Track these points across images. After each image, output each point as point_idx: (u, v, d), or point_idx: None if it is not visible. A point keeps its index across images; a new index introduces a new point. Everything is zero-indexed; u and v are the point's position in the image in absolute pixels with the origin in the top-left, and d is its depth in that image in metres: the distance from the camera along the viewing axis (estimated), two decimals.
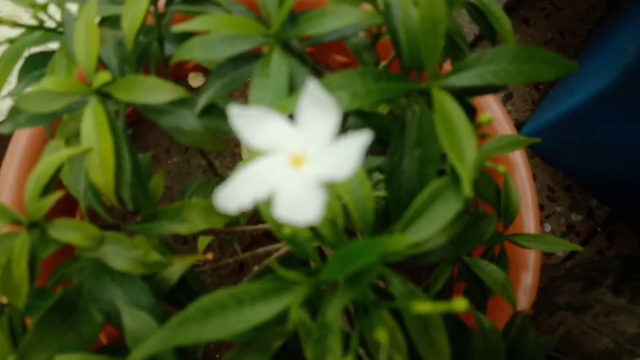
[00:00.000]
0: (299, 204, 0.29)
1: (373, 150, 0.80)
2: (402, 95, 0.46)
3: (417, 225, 0.42)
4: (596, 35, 1.51)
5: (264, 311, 0.40)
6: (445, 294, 0.76)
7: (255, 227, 0.83)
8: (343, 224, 0.42)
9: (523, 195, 0.95)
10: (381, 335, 0.34)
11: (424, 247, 0.44)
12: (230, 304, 0.40)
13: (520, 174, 0.96)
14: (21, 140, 0.86)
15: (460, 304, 0.32)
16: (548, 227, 1.51)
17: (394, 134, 0.49)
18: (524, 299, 0.92)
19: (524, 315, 0.76)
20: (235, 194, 0.30)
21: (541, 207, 1.50)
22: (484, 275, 0.73)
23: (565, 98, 1.38)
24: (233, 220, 0.92)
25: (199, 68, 1.11)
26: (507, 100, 1.58)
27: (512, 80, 0.47)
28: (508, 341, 0.69)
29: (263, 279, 0.41)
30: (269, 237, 1.02)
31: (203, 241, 0.91)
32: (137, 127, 1.15)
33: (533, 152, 1.53)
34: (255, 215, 0.97)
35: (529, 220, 0.95)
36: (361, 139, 0.29)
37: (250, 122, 0.33)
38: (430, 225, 0.42)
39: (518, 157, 0.98)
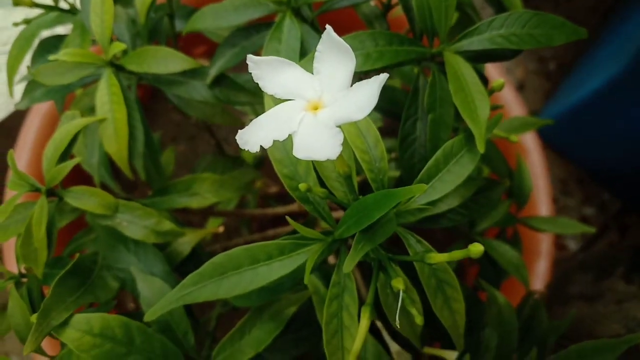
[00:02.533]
0: (318, 143, 0.29)
1: (383, 131, 0.80)
2: (414, 60, 0.46)
3: (431, 185, 0.42)
4: (605, 25, 1.50)
5: (280, 269, 0.40)
6: (458, 277, 0.76)
7: (263, 210, 0.83)
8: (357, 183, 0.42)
9: (535, 179, 0.94)
10: (398, 283, 0.34)
11: (438, 208, 0.44)
12: (245, 261, 0.40)
13: (532, 159, 0.96)
14: (36, 117, 0.87)
15: (476, 248, 0.32)
16: None
17: (407, 101, 0.49)
18: (538, 284, 0.91)
19: (537, 295, 0.75)
20: (255, 135, 0.31)
21: (554, 201, 1.49)
22: (497, 256, 0.73)
23: (577, 88, 1.37)
24: (242, 204, 0.92)
25: (207, 54, 1.12)
26: (519, 91, 1.57)
27: (523, 44, 0.47)
28: (521, 320, 0.68)
29: (279, 239, 0.41)
30: (277, 222, 1.02)
31: (212, 223, 0.91)
32: None
33: (546, 145, 1.52)
34: (264, 200, 0.97)
35: (541, 204, 0.94)
36: (378, 80, 0.29)
37: (269, 70, 0.33)
38: (444, 185, 0.42)
39: (530, 142, 0.98)
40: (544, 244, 0.96)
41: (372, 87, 0.29)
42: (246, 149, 0.30)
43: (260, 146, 0.30)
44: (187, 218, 1.00)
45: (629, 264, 1.11)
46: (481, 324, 0.56)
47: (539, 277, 0.94)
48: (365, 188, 0.46)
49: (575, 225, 0.83)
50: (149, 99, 1.14)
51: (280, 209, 0.83)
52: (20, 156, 0.88)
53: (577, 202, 1.53)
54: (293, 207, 0.84)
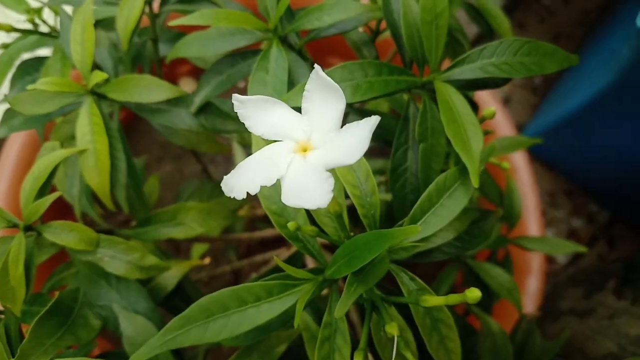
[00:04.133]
0: (307, 190, 0.28)
1: (373, 151, 0.79)
2: (404, 89, 0.45)
3: (424, 220, 0.41)
4: (590, 39, 1.52)
5: (269, 311, 0.38)
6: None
7: (251, 234, 0.81)
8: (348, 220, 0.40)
9: (525, 197, 0.93)
10: (392, 328, 0.33)
11: (432, 243, 0.43)
12: (232, 303, 0.38)
13: (521, 177, 0.96)
14: (14, 146, 0.84)
15: (473, 294, 0.31)
16: (549, 233, 1.49)
17: (397, 130, 0.48)
18: (529, 305, 0.91)
19: (530, 319, 0.74)
20: (242, 181, 0.29)
21: (542, 214, 1.49)
22: (489, 279, 0.72)
23: (563, 101, 1.38)
24: (229, 228, 0.90)
25: (191, 73, 1.10)
26: (505, 104, 1.57)
27: (514, 73, 0.46)
28: (515, 345, 0.67)
29: (266, 279, 0.40)
30: (265, 246, 1.00)
31: (197, 250, 0.89)
32: (127, 135, 1.13)
33: (533, 158, 1.53)
34: (252, 222, 0.95)
35: (531, 223, 0.94)
36: (370, 123, 0.28)
37: (255, 109, 0.32)
38: (438, 220, 0.41)
39: (519, 160, 0.97)
40: (535, 262, 0.96)
41: (364, 131, 0.28)
42: (232, 196, 0.29)
43: (246, 193, 0.29)
44: (173, 245, 0.98)
45: (619, 278, 1.11)
46: (475, 354, 0.55)
47: (530, 296, 0.93)
48: (354, 212, 0.44)
49: (566, 245, 0.82)
50: (132, 119, 1.12)
51: (268, 232, 0.82)
52: (0, 182, 0.85)
53: (566, 214, 1.54)
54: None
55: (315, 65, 0.31)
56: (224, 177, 0.29)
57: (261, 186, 0.29)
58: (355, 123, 0.29)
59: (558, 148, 1.45)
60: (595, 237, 1.51)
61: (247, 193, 0.29)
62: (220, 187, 0.30)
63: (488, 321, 0.58)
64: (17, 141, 0.84)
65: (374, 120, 0.28)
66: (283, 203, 0.41)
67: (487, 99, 0.99)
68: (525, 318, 0.72)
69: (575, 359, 1.02)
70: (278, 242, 0.91)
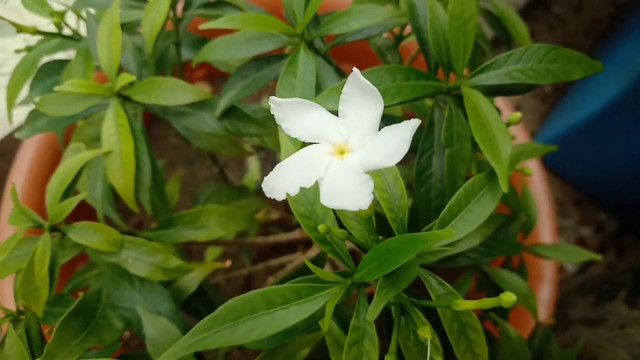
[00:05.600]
0: (347, 191, 0.28)
1: None
2: (431, 94, 0.46)
3: (453, 225, 0.41)
4: (600, 48, 1.52)
5: (297, 313, 0.38)
6: None
7: (265, 238, 0.82)
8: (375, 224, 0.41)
9: (538, 204, 0.93)
10: (425, 332, 0.33)
11: (459, 248, 0.43)
12: (261, 305, 0.38)
13: (535, 185, 0.96)
14: (30, 147, 0.85)
15: (509, 297, 0.31)
16: (558, 242, 1.49)
17: (422, 135, 0.48)
18: (543, 312, 0.90)
19: (546, 326, 0.74)
20: (281, 182, 0.29)
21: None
22: (505, 285, 0.71)
23: (573, 111, 1.38)
24: (243, 232, 0.91)
25: (206, 77, 1.11)
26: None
27: (540, 79, 0.46)
28: (532, 352, 0.67)
29: (293, 281, 0.40)
30: (277, 251, 1.00)
31: (211, 253, 0.89)
32: None
33: (543, 166, 1.53)
34: (265, 227, 0.95)
35: (544, 230, 0.94)
36: (410, 125, 0.28)
37: (292, 112, 0.32)
38: (466, 225, 0.41)
39: (533, 167, 0.97)
40: (547, 270, 0.95)
41: (404, 133, 0.28)
42: (272, 197, 0.29)
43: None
44: (187, 247, 0.98)
45: (631, 288, 1.10)
46: None
47: (543, 303, 0.93)
48: (380, 221, 0.45)
49: (580, 253, 0.82)
50: (148, 122, 1.12)
51: (282, 236, 0.82)
52: (17, 179, 0.86)
53: (575, 223, 1.53)
54: (295, 234, 0.83)
55: (354, 69, 0.31)
56: (264, 177, 0.29)
57: (300, 187, 0.29)
58: (394, 125, 0.29)
59: (568, 157, 1.45)
60: (604, 246, 1.50)
61: (287, 194, 0.29)
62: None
63: (507, 328, 0.58)
64: (33, 143, 0.84)
65: (414, 123, 0.28)
66: (312, 206, 0.41)
67: (501, 107, 0.99)
68: (542, 325, 0.71)
69: None
70: (290, 247, 0.91)
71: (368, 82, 0.31)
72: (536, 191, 0.96)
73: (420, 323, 0.34)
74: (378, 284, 0.35)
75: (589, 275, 1.42)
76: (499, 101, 1.00)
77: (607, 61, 1.39)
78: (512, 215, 0.48)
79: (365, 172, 0.29)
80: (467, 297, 0.93)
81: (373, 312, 0.34)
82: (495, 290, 0.75)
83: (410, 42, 0.62)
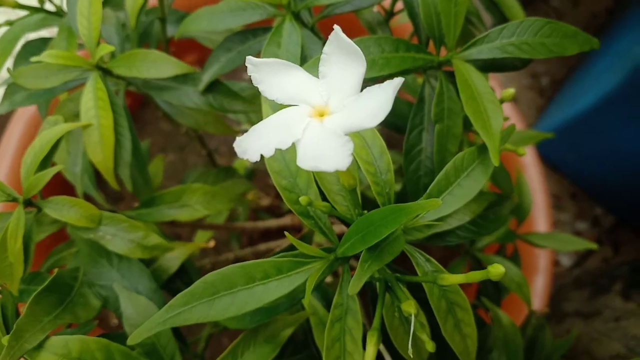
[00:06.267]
0: (325, 153, 0.26)
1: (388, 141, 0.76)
2: (421, 67, 0.44)
3: (442, 199, 0.39)
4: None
5: (277, 289, 0.36)
6: None
7: (255, 223, 0.80)
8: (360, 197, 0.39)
9: (533, 195, 0.92)
10: (409, 306, 0.31)
11: (448, 225, 0.41)
12: (239, 280, 0.37)
13: (530, 174, 0.94)
14: (18, 124, 0.83)
15: (496, 270, 0.29)
16: None
17: (412, 111, 0.47)
18: (537, 303, 0.89)
19: (540, 315, 0.72)
20: (256, 143, 0.27)
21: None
22: None
23: (570, 104, 1.36)
24: (232, 217, 0.89)
25: (197, 62, 1.09)
26: (512, 105, 1.56)
27: (534, 53, 0.45)
28: (525, 340, 0.66)
29: (275, 256, 0.38)
30: (267, 237, 0.98)
31: (200, 237, 0.87)
32: None
33: (539, 159, 1.51)
34: (255, 213, 0.94)
35: (540, 221, 0.92)
36: (393, 84, 0.27)
37: (269, 73, 0.31)
38: (455, 200, 0.39)
39: (528, 157, 0.96)
40: (542, 260, 0.94)
41: (386, 92, 0.27)
42: (245, 158, 0.27)
43: (260, 156, 0.27)
44: (174, 231, 0.96)
45: (626, 281, 1.09)
46: (487, 347, 0.53)
47: (537, 294, 0.92)
48: (365, 202, 0.43)
49: (575, 241, 0.81)
50: (137, 107, 1.10)
51: (272, 222, 0.80)
52: (1, 163, 0.84)
53: (571, 217, 1.52)
54: (286, 220, 0.81)
55: (335, 27, 0.29)
56: (237, 138, 0.28)
57: (275, 150, 0.28)
58: (377, 86, 0.28)
59: (564, 150, 1.43)
60: (600, 241, 1.49)
61: (262, 156, 0.28)
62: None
63: (499, 313, 0.56)
64: (21, 119, 0.82)
65: (397, 82, 0.27)
66: (295, 178, 0.40)
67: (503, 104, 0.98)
68: (535, 314, 0.70)
69: None
70: (280, 233, 0.89)
71: (350, 40, 0.29)
72: (532, 182, 0.94)
73: (405, 298, 0.33)
74: (361, 257, 0.34)
75: (584, 269, 1.41)
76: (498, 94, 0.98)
77: (604, 55, 1.37)
78: (504, 195, 0.47)
79: (346, 135, 0.27)
80: (461, 284, 0.92)
81: (355, 285, 0.32)
82: (490, 280, 0.74)
83: (405, 24, 0.60)
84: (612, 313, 1.03)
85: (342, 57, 0.30)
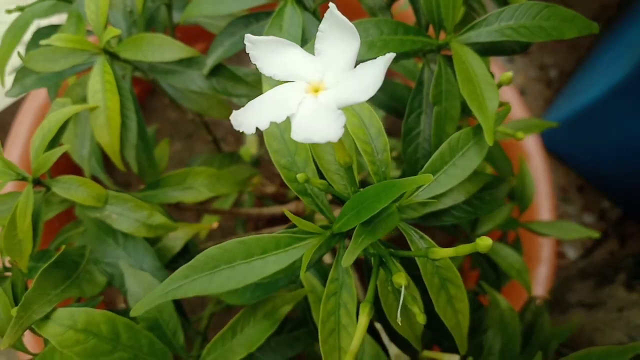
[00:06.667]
0: (317, 125, 0.27)
1: (386, 131, 0.77)
2: (420, 49, 0.45)
3: (436, 179, 0.40)
4: (608, 34, 1.50)
5: (275, 263, 0.37)
6: None
7: (260, 210, 0.81)
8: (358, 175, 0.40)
9: (537, 184, 0.92)
10: (400, 278, 0.32)
11: (443, 204, 0.42)
12: (239, 254, 0.38)
13: (535, 163, 0.94)
14: (30, 110, 0.85)
15: (484, 242, 0.30)
16: None
17: (411, 94, 0.48)
18: (539, 290, 0.89)
19: (539, 301, 0.73)
20: (251, 117, 0.29)
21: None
22: (499, 259, 0.71)
23: (578, 95, 1.36)
24: (238, 203, 0.90)
25: (207, 50, 1.10)
26: (520, 97, 1.56)
27: (532, 37, 0.45)
28: (523, 325, 0.66)
29: (275, 233, 0.39)
30: (274, 223, 1.00)
31: (206, 222, 0.89)
32: None
33: (547, 151, 1.51)
34: (260, 200, 0.95)
35: (543, 210, 0.92)
36: (384, 60, 0.28)
37: (267, 50, 0.32)
38: (449, 179, 0.40)
39: (532, 147, 0.96)
40: (545, 249, 0.95)
41: (378, 68, 0.28)
42: (240, 130, 0.28)
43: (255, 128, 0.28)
44: (182, 216, 0.98)
45: (630, 272, 1.09)
46: (483, 328, 0.54)
47: (540, 283, 0.92)
48: (366, 185, 0.44)
49: (578, 230, 0.81)
50: (146, 95, 1.12)
51: (277, 209, 0.81)
52: (12, 151, 0.86)
53: (577, 209, 1.52)
54: (290, 206, 0.82)
55: (330, 4, 0.30)
56: (233, 111, 0.29)
57: (272, 125, 0.29)
58: (369, 62, 0.29)
59: (572, 142, 1.43)
60: (607, 234, 1.49)
61: (257, 129, 0.29)
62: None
63: (496, 296, 0.57)
64: (32, 107, 0.84)
65: (388, 57, 0.28)
66: (293, 157, 0.41)
67: (507, 92, 0.98)
68: (534, 299, 0.71)
69: None
70: (285, 220, 0.91)
71: (344, 18, 0.30)
72: (536, 171, 0.94)
73: (396, 270, 0.34)
74: (355, 232, 0.35)
75: (589, 261, 1.41)
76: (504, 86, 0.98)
77: (612, 47, 1.37)
78: (501, 177, 0.47)
79: (340, 110, 0.28)
80: (460, 271, 0.92)
81: (348, 258, 0.33)
82: (489, 263, 0.74)
83: (409, 11, 0.61)
84: (616, 303, 1.03)
85: (337, 34, 0.31)
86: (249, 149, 0.90)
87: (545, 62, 1.61)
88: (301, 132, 0.28)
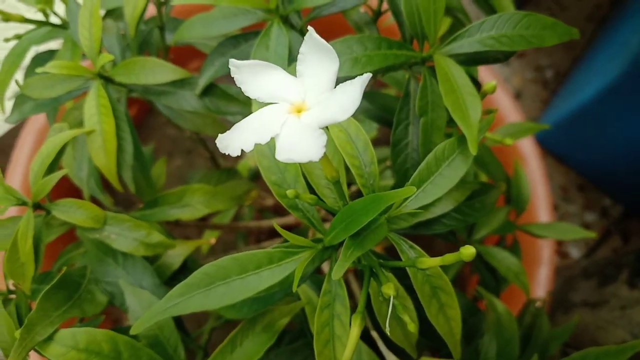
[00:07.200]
0: (300, 145, 0.29)
1: (379, 141, 0.79)
2: (403, 63, 0.46)
3: (423, 189, 0.41)
4: (601, 33, 1.51)
5: (269, 278, 0.38)
6: (458, 287, 0.74)
7: (259, 223, 0.82)
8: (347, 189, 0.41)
9: (534, 186, 0.93)
10: (388, 289, 0.33)
11: (431, 213, 0.43)
12: (233, 270, 0.39)
13: (531, 166, 0.95)
14: (30, 134, 0.87)
15: (468, 250, 0.31)
16: None
17: (398, 106, 0.49)
18: (540, 292, 0.90)
19: (539, 303, 0.73)
20: (236, 139, 0.30)
21: (555, 207, 1.48)
22: (496, 263, 0.71)
23: (574, 95, 1.37)
24: (238, 217, 0.91)
25: (199, 70, 1.12)
26: (517, 99, 1.57)
27: (514, 45, 0.46)
28: (522, 328, 0.67)
29: (267, 249, 0.40)
30: (274, 235, 1.01)
31: (207, 237, 0.90)
32: (139, 131, 1.15)
33: (546, 152, 1.52)
34: (260, 213, 0.96)
35: (541, 211, 0.93)
36: (362, 79, 0.29)
37: (250, 73, 0.33)
38: (436, 189, 0.41)
39: (528, 149, 0.97)
40: (545, 251, 0.95)
41: (355, 88, 0.29)
42: (227, 153, 0.30)
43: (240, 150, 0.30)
44: (183, 232, 0.99)
45: (632, 269, 1.09)
46: (480, 333, 0.55)
47: (541, 285, 0.93)
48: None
49: (575, 231, 0.82)
50: (144, 114, 1.13)
51: (276, 221, 0.82)
52: (13, 175, 0.87)
53: (579, 208, 1.52)
54: (289, 219, 0.83)
55: (309, 27, 0.32)
56: (219, 135, 0.30)
57: (259, 146, 0.30)
58: (348, 82, 0.30)
59: (570, 142, 1.44)
60: (609, 232, 1.49)
61: (242, 151, 0.30)
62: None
63: (493, 301, 0.58)
64: (32, 131, 0.86)
65: (365, 77, 0.29)
66: (283, 173, 0.42)
67: (501, 96, 0.99)
68: (533, 302, 0.71)
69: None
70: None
71: (323, 40, 0.31)
72: (532, 174, 0.95)
73: (386, 280, 0.35)
74: (344, 245, 0.36)
75: (593, 261, 1.41)
76: (498, 90, 0.99)
77: (607, 46, 1.37)
78: (490, 184, 0.48)
79: (321, 128, 0.29)
80: (461, 279, 0.93)
81: (338, 271, 0.34)
82: (487, 268, 0.75)
83: (394, 24, 0.62)
84: (618, 302, 1.03)
85: (317, 56, 0.32)
86: (248, 162, 0.91)
87: (541, 64, 1.62)
88: (284, 153, 0.29)
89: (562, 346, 0.89)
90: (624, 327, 0.93)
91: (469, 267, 0.85)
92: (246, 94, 0.33)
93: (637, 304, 0.96)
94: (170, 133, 1.12)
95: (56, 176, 0.47)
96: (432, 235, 0.55)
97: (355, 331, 0.34)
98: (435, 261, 0.34)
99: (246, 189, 0.70)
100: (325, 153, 0.34)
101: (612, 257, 1.36)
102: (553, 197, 1.51)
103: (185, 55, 1.02)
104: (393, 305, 0.35)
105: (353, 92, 0.29)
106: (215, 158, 0.81)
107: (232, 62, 0.33)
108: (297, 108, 0.31)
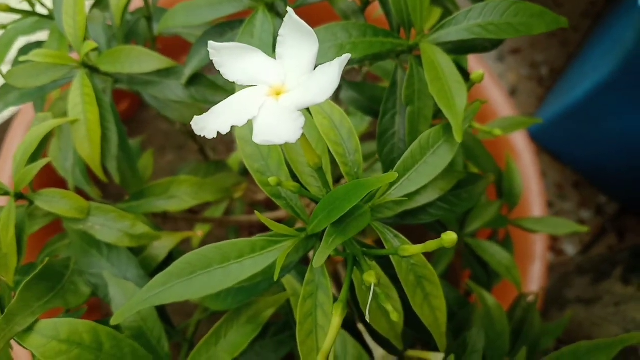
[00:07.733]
0: (277, 127, 0.28)
1: (371, 135, 0.78)
2: (389, 51, 0.45)
3: (407, 177, 0.40)
4: (596, 29, 1.50)
5: (252, 267, 0.38)
6: (450, 281, 0.74)
7: (250, 217, 0.82)
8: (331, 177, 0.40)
9: (527, 181, 0.92)
10: (370, 276, 0.32)
11: (417, 202, 0.42)
12: (215, 259, 0.38)
13: (524, 161, 0.94)
14: (21, 126, 0.86)
15: (449, 237, 0.31)
16: None
17: (385, 95, 0.48)
18: (533, 288, 0.89)
19: (530, 298, 0.73)
20: (214, 121, 0.29)
21: (550, 205, 1.47)
22: (488, 257, 0.71)
23: (569, 91, 1.36)
24: (229, 211, 0.91)
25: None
26: (512, 95, 1.56)
27: (501, 34, 0.46)
28: (513, 323, 0.66)
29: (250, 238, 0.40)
30: (266, 230, 1.00)
31: (199, 230, 0.89)
32: (130, 125, 1.14)
33: (541, 149, 1.51)
34: (251, 207, 0.95)
35: (534, 206, 0.93)
36: (340, 61, 0.28)
37: (229, 56, 0.32)
38: (421, 177, 0.40)
39: (521, 144, 0.96)
40: (538, 246, 0.95)
41: (334, 69, 0.28)
42: (202, 135, 0.29)
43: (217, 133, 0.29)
44: (175, 227, 0.98)
45: (626, 265, 1.09)
46: (469, 326, 0.54)
47: (534, 280, 0.92)
48: None
49: (568, 225, 0.81)
50: (136, 108, 1.13)
51: (267, 215, 0.82)
52: (4, 168, 0.87)
53: (574, 206, 1.52)
54: (280, 213, 0.82)
55: (289, 9, 0.31)
56: (195, 117, 0.29)
57: (232, 126, 0.29)
58: (327, 64, 0.29)
59: (565, 138, 1.43)
60: (604, 229, 1.48)
61: (218, 133, 0.29)
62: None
63: (483, 294, 0.57)
64: (22, 124, 0.85)
65: (343, 58, 0.28)
66: (266, 161, 0.41)
67: (494, 91, 0.99)
68: (525, 296, 0.71)
69: None
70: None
71: (303, 22, 0.31)
72: (525, 169, 0.95)
73: (367, 268, 0.34)
74: (326, 232, 0.35)
75: (587, 257, 1.41)
76: (490, 85, 0.99)
77: (601, 42, 1.37)
78: (478, 174, 0.48)
79: (299, 111, 0.29)
80: (451, 272, 0.92)
81: (319, 259, 0.34)
82: (479, 262, 0.74)
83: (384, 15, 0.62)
84: (612, 298, 1.03)
85: (297, 38, 0.31)
86: (239, 155, 0.91)
87: (536, 60, 1.62)
88: (260, 135, 0.28)
89: (555, 342, 0.88)
90: (618, 323, 0.92)
91: (460, 261, 0.85)
92: (225, 77, 0.32)
93: (631, 300, 0.96)
94: (162, 128, 1.12)
95: (38, 165, 0.47)
96: (423, 229, 0.55)
97: (336, 320, 0.34)
98: (418, 248, 0.33)
99: (235, 181, 0.69)
100: (306, 137, 0.34)
101: (607, 253, 1.36)
102: (548, 194, 1.51)
103: (175, 49, 1.01)
104: (375, 293, 0.34)
105: (332, 73, 0.28)
106: (205, 151, 0.80)
107: (211, 44, 0.32)
108: (276, 90, 0.31)
